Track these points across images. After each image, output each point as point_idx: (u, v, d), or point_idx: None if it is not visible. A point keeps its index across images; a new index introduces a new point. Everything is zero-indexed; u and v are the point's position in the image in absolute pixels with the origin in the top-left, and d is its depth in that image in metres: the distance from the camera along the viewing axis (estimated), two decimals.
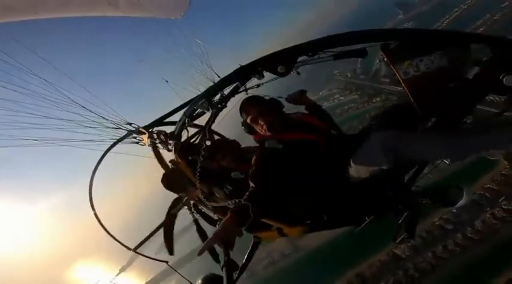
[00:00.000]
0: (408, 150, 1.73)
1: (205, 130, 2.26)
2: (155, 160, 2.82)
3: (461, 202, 2.01)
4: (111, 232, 3.02)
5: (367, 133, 2.04)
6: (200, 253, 1.54)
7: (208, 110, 2.11)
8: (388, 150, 1.72)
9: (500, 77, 1.61)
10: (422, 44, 1.71)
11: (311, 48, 1.77)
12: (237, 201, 2.02)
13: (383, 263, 31.53)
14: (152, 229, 3.03)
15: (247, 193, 1.75)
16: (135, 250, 3.02)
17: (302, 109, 2.57)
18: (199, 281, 2.75)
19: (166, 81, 3.02)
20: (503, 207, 28.62)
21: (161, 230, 2.92)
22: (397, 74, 1.76)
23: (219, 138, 3.29)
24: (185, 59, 2.82)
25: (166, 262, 3.07)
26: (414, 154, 1.76)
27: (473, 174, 27.80)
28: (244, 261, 2.98)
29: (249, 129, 2.24)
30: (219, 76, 2.27)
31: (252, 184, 1.83)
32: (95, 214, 2.99)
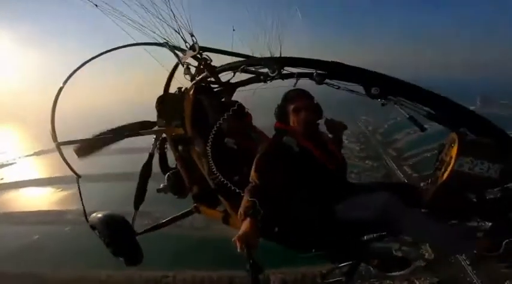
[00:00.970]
0: (403, 223, 1.79)
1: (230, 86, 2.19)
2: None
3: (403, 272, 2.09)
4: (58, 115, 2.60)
5: (373, 188, 2.13)
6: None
7: (273, 73, 2.06)
8: (385, 210, 1.78)
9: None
10: (495, 150, 1.74)
11: (384, 84, 1.70)
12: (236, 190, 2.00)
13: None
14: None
15: (251, 187, 1.82)
16: (58, 143, 2.57)
17: None
18: (99, 215, 2.81)
19: None
20: None
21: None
22: (452, 161, 1.78)
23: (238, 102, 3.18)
24: None
25: (79, 176, 2.72)
26: (406, 230, 1.83)
27: None
28: (170, 218, 3.04)
29: (281, 115, 2.21)
30: None
31: (254, 176, 1.88)
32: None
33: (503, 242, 1.73)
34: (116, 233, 2.72)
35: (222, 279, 21.58)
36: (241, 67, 2.21)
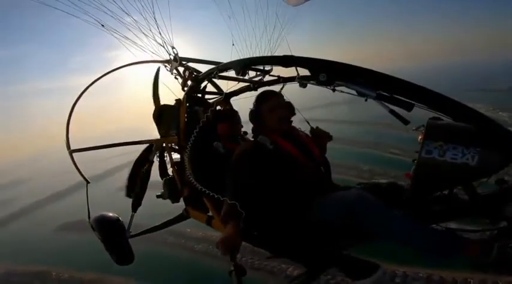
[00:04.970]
0: (369, 215, 1.65)
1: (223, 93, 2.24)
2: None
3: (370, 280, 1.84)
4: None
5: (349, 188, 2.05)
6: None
7: (238, 74, 2.13)
8: (352, 205, 1.67)
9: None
10: (471, 133, 1.53)
11: (374, 80, 1.59)
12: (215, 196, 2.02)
13: None
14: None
15: (230, 190, 1.84)
16: (72, 151, 2.83)
17: None
18: (96, 215, 2.95)
19: None
20: None
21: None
22: (420, 148, 1.62)
23: (229, 107, 3.27)
24: None
25: (88, 182, 2.97)
26: (371, 223, 1.67)
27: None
28: (163, 222, 3.10)
29: (256, 117, 2.24)
30: None
31: (231, 177, 1.91)
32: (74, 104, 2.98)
33: (495, 246, 1.47)
34: (108, 233, 2.87)
35: None
36: (214, 73, 2.34)
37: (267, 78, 2.77)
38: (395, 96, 1.55)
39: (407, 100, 1.53)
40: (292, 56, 1.79)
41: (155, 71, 3.02)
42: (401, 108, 1.53)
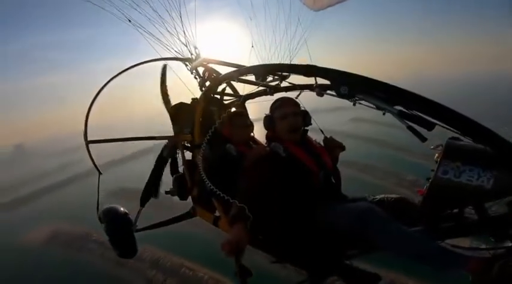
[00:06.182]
0: (378, 229, 1.67)
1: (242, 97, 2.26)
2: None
3: None
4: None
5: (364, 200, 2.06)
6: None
7: (258, 79, 2.15)
8: (362, 217, 1.70)
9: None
10: (489, 156, 1.54)
11: (397, 97, 1.58)
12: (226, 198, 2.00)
13: None
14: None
15: (240, 193, 1.83)
16: (88, 142, 2.90)
17: None
18: (105, 206, 3.01)
19: None
20: None
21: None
22: (436, 168, 1.63)
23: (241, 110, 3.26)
24: None
25: (101, 173, 3.04)
26: (377, 235, 1.70)
27: None
28: (170, 218, 3.12)
29: (270, 124, 2.25)
30: None
31: (243, 182, 1.91)
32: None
33: (496, 264, 1.49)
34: (115, 226, 2.92)
35: None
36: (235, 76, 2.35)
37: (283, 82, 2.75)
38: (418, 114, 1.55)
39: (429, 119, 1.53)
40: (314, 66, 1.80)
41: (162, 68, 3.04)
42: (421, 127, 1.52)
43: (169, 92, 3.11)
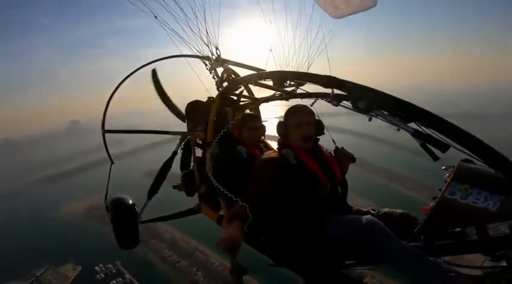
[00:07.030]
0: (379, 243, 1.72)
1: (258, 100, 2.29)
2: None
3: None
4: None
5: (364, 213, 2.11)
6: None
7: (276, 85, 2.19)
8: (364, 230, 1.75)
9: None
10: (499, 181, 1.55)
11: (415, 115, 1.58)
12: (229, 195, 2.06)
13: None
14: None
15: (246, 194, 1.86)
16: (105, 131, 3.05)
17: None
18: (113, 197, 3.10)
19: None
20: None
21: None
22: (444, 188, 1.67)
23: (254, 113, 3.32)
24: None
25: (113, 162, 3.19)
26: (377, 249, 1.74)
27: None
28: (175, 213, 3.18)
29: (285, 131, 2.28)
30: None
31: (250, 183, 1.94)
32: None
33: (488, 281, 1.53)
34: (121, 216, 2.99)
35: None
36: (253, 79, 2.41)
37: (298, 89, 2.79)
38: (434, 133, 1.55)
39: (443, 140, 1.53)
40: (334, 78, 1.82)
41: (160, 70, 3.20)
42: (436, 148, 1.54)
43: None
